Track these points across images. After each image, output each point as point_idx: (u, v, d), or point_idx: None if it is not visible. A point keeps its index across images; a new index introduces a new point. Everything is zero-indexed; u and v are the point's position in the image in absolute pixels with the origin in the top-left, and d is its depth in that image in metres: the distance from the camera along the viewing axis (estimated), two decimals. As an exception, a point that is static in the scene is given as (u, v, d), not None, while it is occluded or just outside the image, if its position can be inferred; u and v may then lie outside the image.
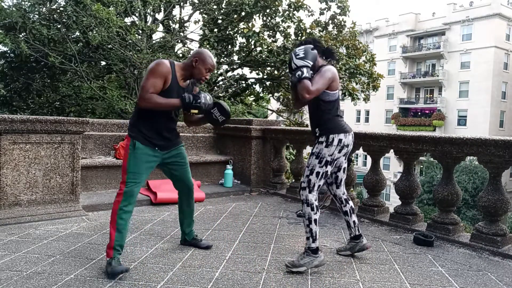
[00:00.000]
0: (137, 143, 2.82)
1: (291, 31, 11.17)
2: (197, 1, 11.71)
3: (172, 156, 3.04)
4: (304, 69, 2.73)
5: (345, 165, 3.11)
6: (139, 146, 2.82)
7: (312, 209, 2.83)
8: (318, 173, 2.85)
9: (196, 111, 2.85)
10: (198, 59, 2.89)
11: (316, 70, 2.84)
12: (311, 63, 2.77)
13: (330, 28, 12.60)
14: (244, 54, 11.38)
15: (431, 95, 36.56)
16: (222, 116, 3.00)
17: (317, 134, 2.93)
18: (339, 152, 2.89)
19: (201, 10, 11.67)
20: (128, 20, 11.23)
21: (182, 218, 3.29)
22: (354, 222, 3.13)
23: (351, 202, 3.19)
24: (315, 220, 2.82)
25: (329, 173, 2.92)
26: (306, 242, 2.85)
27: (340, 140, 2.86)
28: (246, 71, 13.10)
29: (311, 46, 2.86)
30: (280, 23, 11.15)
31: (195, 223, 3.98)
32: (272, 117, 18.18)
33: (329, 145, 2.85)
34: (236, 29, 11.01)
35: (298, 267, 2.78)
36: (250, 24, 10.46)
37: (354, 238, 3.15)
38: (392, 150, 4.28)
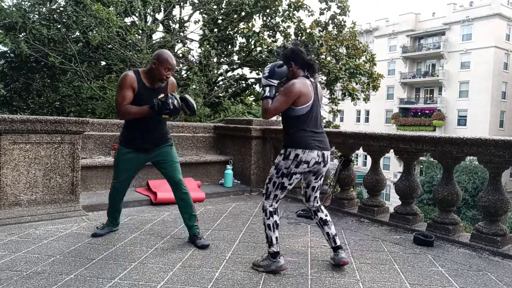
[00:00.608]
0: (119, 146, 3.34)
1: (291, 31, 11.18)
2: (197, 1, 11.71)
3: (157, 155, 3.34)
4: (267, 89, 2.78)
5: (315, 183, 2.95)
6: (120, 148, 3.33)
7: (266, 215, 2.88)
8: (274, 182, 2.88)
9: (166, 116, 3.16)
10: (156, 61, 3.14)
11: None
12: (275, 82, 2.81)
13: (330, 28, 12.58)
14: (244, 54, 11.38)
15: (431, 95, 36.57)
16: (189, 111, 3.21)
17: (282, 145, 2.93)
18: (296, 167, 2.78)
19: (201, 10, 11.67)
20: (128, 20, 11.23)
21: (181, 213, 3.43)
22: (327, 233, 2.97)
23: (321, 214, 3.00)
24: (268, 225, 2.86)
25: (286, 185, 2.85)
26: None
27: (296, 155, 2.76)
28: (246, 71, 13.11)
29: (280, 63, 2.85)
30: (280, 23, 11.14)
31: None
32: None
33: (286, 158, 2.80)
34: (236, 29, 11.00)
35: (257, 267, 2.85)
36: (250, 24, 10.46)
37: (333, 249, 2.98)
38: (392, 150, 4.28)
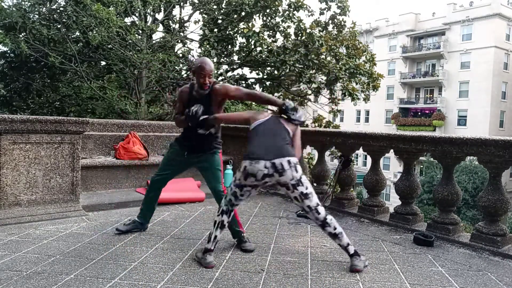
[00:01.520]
0: (172, 142, 3.60)
1: (291, 31, 11.17)
2: (197, 1, 11.71)
3: (200, 161, 3.43)
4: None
5: (292, 195, 2.80)
6: (170, 144, 3.62)
7: (217, 212, 3.00)
8: (231, 188, 2.93)
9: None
10: (195, 69, 3.25)
11: None
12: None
13: (330, 28, 12.58)
14: (244, 54, 11.37)
15: (431, 95, 36.56)
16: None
17: None
18: (245, 179, 2.76)
19: (201, 10, 11.67)
20: (128, 20, 11.23)
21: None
22: (339, 245, 2.91)
23: (329, 228, 2.84)
24: (215, 221, 2.95)
25: (238, 195, 2.87)
26: None
27: (244, 167, 2.74)
28: (246, 71, 13.08)
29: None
30: (280, 23, 11.14)
31: (195, 223, 3.99)
32: (272, 117, 18.14)
33: (239, 169, 2.84)
34: (236, 29, 11.00)
35: (196, 258, 2.96)
36: (250, 24, 10.45)
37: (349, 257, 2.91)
38: (392, 150, 4.28)
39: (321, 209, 2.82)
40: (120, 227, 3.62)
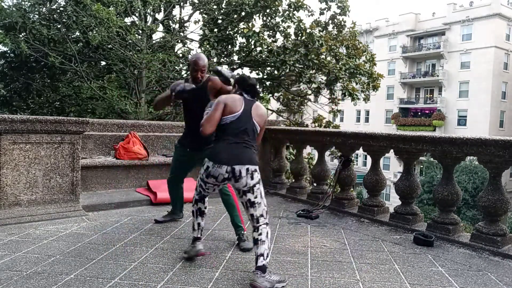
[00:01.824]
0: (176, 144, 3.80)
1: (291, 31, 11.17)
2: (197, 1, 11.71)
3: (201, 157, 3.28)
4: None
5: (241, 199, 2.82)
6: (175, 146, 3.81)
7: (191, 202, 3.11)
8: (198, 179, 2.96)
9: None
10: (189, 65, 3.50)
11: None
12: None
13: (330, 28, 12.59)
14: (244, 54, 11.38)
15: (431, 95, 36.56)
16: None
17: None
18: (207, 178, 2.80)
19: (201, 10, 11.67)
20: (128, 20, 11.24)
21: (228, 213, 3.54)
22: (255, 252, 2.71)
23: (255, 233, 2.73)
24: (192, 211, 3.07)
25: (204, 187, 2.92)
26: None
27: (207, 167, 2.78)
28: (246, 71, 13.08)
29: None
30: (280, 23, 11.14)
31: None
32: (272, 117, 18.16)
33: (203, 166, 2.85)
34: (236, 29, 11.00)
35: (185, 255, 2.99)
36: (250, 24, 10.45)
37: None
38: (392, 150, 4.28)
39: (262, 220, 2.75)
40: (159, 218, 3.97)
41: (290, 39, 11.09)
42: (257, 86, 3.03)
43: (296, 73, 10.54)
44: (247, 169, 2.72)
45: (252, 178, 2.73)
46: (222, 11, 11.07)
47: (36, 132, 3.93)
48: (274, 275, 2.63)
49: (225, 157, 2.73)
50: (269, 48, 10.19)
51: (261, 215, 2.76)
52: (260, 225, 2.73)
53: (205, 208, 3.07)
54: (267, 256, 2.65)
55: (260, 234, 2.70)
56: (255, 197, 2.75)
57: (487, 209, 3.42)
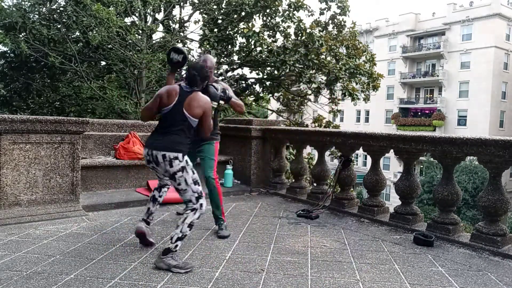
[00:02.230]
0: None
1: (291, 31, 11.17)
2: (197, 1, 11.71)
3: (200, 150, 3.73)
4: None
5: (163, 182, 3.34)
6: None
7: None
8: None
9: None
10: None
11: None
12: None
13: (330, 28, 12.59)
14: (244, 54, 11.38)
15: (431, 95, 36.56)
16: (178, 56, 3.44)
17: None
18: (147, 163, 3.01)
19: (201, 10, 11.67)
20: (128, 20, 11.23)
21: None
22: (149, 208, 3.36)
23: (156, 192, 3.38)
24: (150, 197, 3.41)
25: (159, 174, 3.18)
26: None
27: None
28: (246, 71, 13.08)
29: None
30: (280, 23, 11.14)
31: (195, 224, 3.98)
32: (272, 117, 18.17)
33: None
34: (236, 29, 11.00)
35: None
36: (250, 24, 10.45)
37: (144, 221, 3.33)
38: (392, 150, 4.28)
39: (190, 205, 2.92)
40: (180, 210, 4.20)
41: (290, 39, 11.09)
42: (198, 74, 2.98)
43: (296, 73, 10.54)
44: (164, 156, 2.84)
45: (171, 166, 2.84)
46: (222, 11, 11.07)
47: (36, 132, 3.93)
48: (175, 260, 2.79)
49: (148, 141, 2.99)
50: (269, 48, 10.19)
51: (189, 201, 2.92)
52: (186, 210, 2.92)
53: (159, 196, 3.38)
54: (176, 240, 2.80)
55: (182, 218, 2.89)
56: (178, 185, 2.90)
57: (487, 209, 3.42)
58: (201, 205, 2.92)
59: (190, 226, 2.86)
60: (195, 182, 2.93)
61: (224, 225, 3.74)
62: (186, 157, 2.93)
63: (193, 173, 2.95)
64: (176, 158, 2.85)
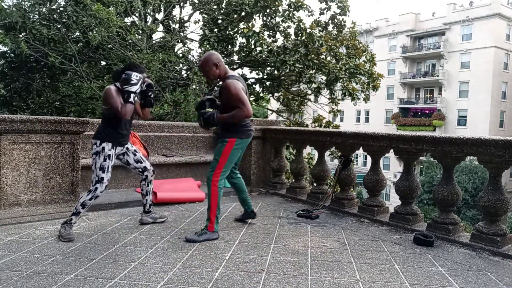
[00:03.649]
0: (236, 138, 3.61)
1: (291, 31, 11.17)
2: (197, 1, 11.71)
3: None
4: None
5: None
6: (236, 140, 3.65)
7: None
8: None
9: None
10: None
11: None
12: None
13: (330, 28, 12.59)
14: (244, 54, 11.38)
15: (431, 95, 36.57)
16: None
17: None
18: None
19: (201, 10, 11.67)
20: (128, 20, 11.23)
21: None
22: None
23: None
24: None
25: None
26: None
27: None
28: (246, 71, 13.09)
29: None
30: (280, 23, 11.14)
31: (195, 223, 3.99)
32: (272, 117, 18.18)
33: None
34: (236, 29, 11.00)
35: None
36: (250, 24, 10.45)
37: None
38: (392, 150, 4.28)
39: (91, 185, 3.52)
40: (238, 216, 4.18)
41: (290, 39, 11.09)
42: (119, 72, 3.58)
43: (296, 73, 10.54)
44: (92, 141, 3.57)
45: (92, 149, 3.55)
46: (222, 11, 11.07)
47: (36, 132, 3.93)
48: (65, 231, 3.38)
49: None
50: (269, 48, 10.19)
51: (91, 181, 3.52)
52: (90, 194, 3.48)
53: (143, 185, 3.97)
54: (71, 215, 3.48)
55: (80, 198, 3.57)
56: (92, 165, 3.53)
57: (487, 209, 3.42)
58: (95, 188, 3.47)
59: (83, 205, 3.45)
60: (101, 169, 3.49)
61: (204, 231, 3.49)
62: (104, 145, 3.49)
63: (104, 161, 3.49)
64: (95, 144, 3.51)
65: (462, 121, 33.68)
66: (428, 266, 3.03)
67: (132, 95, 3.46)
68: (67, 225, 3.44)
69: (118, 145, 3.62)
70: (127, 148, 3.76)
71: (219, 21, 11.25)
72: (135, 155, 3.80)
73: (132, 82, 3.45)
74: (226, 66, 3.63)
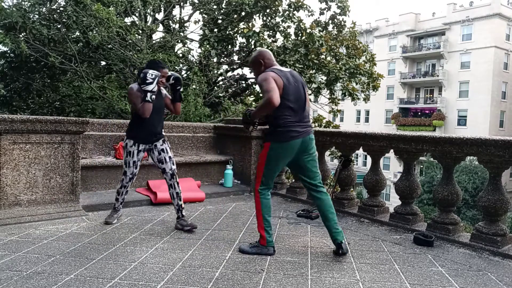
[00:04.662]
0: (273, 142, 3.12)
1: (291, 31, 11.17)
2: (197, 1, 11.71)
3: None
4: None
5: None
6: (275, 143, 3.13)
7: None
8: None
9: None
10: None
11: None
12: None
13: (330, 28, 12.57)
14: (244, 54, 11.37)
15: (431, 95, 36.57)
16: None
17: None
18: None
19: (201, 10, 11.66)
20: (128, 20, 11.21)
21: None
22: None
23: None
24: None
25: None
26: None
27: None
28: (246, 71, 13.08)
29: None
30: (280, 23, 11.13)
31: (195, 223, 3.99)
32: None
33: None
34: (236, 29, 10.99)
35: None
36: (250, 24, 10.44)
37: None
38: (392, 150, 4.28)
39: (124, 177, 3.85)
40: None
41: (290, 39, 11.08)
42: (140, 71, 3.72)
43: (296, 73, 10.51)
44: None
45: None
46: (222, 11, 11.07)
47: (36, 132, 3.93)
48: (110, 215, 3.91)
49: None
50: (269, 48, 10.18)
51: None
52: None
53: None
54: (115, 200, 3.98)
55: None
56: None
57: (487, 209, 3.42)
58: (122, 179, 3.83)
59: (118, 192, 3.91)
60: (125, 163, 3.77)
61: (257, 243, 3.21)
62: (127, 141, 3.70)
63: (126, 156, 3.71)
64: (124, 139, 3.79)
65: (462, 121, 33.67)
66: (428, 266, 3.03)
67: (148, 94, 3.52)
68: (113, 211, 3.94)
69: (141, 142, 3.71)
70: (155, 146, 3.81)
71: (219, 21, 11.24)
72: (159, 154, 3.82)
73: (147, 81, 3.50)
74: (275, 63, 3.22)
